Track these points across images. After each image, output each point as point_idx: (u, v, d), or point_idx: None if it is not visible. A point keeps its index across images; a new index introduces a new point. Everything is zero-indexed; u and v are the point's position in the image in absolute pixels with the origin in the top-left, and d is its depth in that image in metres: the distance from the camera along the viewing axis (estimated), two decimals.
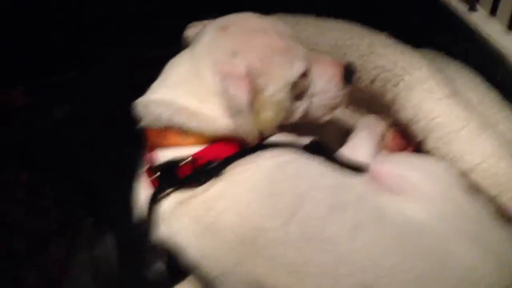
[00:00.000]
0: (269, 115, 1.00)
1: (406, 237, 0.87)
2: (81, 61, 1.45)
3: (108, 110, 1.34)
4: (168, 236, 0.93)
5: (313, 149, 1.00)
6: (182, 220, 0.91)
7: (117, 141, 1.28)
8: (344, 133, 1.30)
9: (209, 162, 0.92)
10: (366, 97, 1.34)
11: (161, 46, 1.14)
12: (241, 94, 0.91)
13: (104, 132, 1.36)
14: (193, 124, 0.93)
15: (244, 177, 0.92)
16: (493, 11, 1.23)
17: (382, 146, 1.23)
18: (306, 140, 1.03)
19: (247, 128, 0.92)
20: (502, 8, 1.20)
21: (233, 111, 0.92)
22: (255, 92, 0.95)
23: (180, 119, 0.93)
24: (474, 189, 1.01)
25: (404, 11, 1.42)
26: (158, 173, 0.94)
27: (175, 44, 1.06)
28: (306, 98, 1.07)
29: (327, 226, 0.87)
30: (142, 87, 1.00)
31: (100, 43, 1.46)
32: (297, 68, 1.00)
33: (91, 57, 1.45)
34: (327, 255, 0.84)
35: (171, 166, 0.94)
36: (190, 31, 1.08)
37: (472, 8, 1.24)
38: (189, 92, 0.96)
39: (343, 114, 1.36)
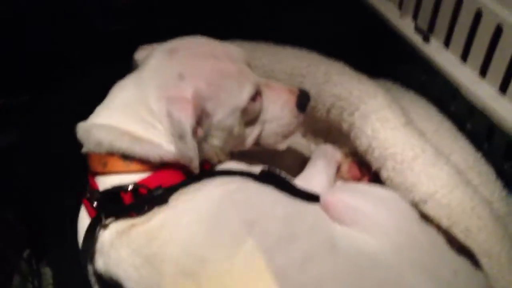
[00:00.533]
0: (217, 141, 0.98)
1: (360, 270, 0.84)
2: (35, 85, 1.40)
3: (60, 136, 1.28)
4: (105, 269, 0.87)
5: (264, 178, 0.97)
6: (121, 251, 0.86)
7: (67, 169, 1.22)
8: (301, 162, 1.29)
9: (153, 190, 0.88)
10: (324, 126, 1.33)
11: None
12: (185, 118, 0.88)
13: (54, 160, 1.31)
14: (136, 149, 0.89)
15: (189, 206, 0.88)
16: (446, 42, 1.24)
17: (338, 177, 1.22)
18: (257, 168, 1.01)
19: (190, 154, 0.89)
20: (456, 40, 1.21)
21: (176, 136, 0.89)
22: (202, 117, 0.93)
23: (123, 145, 0.90)
24: (428, 219, 0.99)
25: (360, 41, 1.43)
26: (96, 203, 0.90)
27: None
28: (257, 125, 1.05)
29: (275, 258, 0.83)
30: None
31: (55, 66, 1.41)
32: (247, 92, 0.98)
33: (46, 80, 1.40)
34: None
35: (111, 194, 0.89)
36: (140, 54, 1.05)
37: (426, 39, 1.24)
38: (133, 117, 0.92)
39: (300, 143, 1.35)
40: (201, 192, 0.90)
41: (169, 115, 0.89)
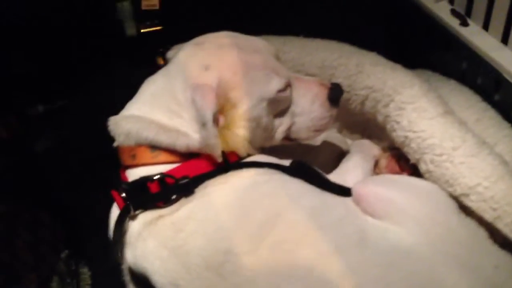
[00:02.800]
0: (245, 132, 0.96)
1: (390, 263, 0.80)
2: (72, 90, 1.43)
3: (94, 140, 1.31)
4: (134, 262, 0.88)
5: (294, 170, 0.95)
6: (148, 243, 0.86)
7: (105, 170, 1.24)
8: (336, 158, 1.25)
9: (179, 179, 0.88)
10: (360, 120, 1.29)
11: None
12: (206, 105, 0.87)
13: (91, 162, 1.33)
14: (162, 138, 0.90)
15: (216, 197, 0.87)
16: (485, 25, 1.17)
17: (376, 172, 1.17)
18: (287, 161, 0.98)
19: (211, 141, 0.88)
20: (495, 21, 1.14)
21: (200, 123, 0.88)
22: (227, 106, 0.92)
23: (149, 134, 0.90)
24: (469, 212, 0.93)
25: (395, 29, 1.37)
26: (124, 194, 0.90)
27: None
28: (287, 117, 1.03)
29: (301, 250, 0.81)
30: None
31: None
32: (274, 84, 0.97)
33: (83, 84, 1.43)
34: (299, 283, 0.78)
35: (139, 184, 0.90)
36: (171, 52, 1.06)
37: (464, 23, 1.18)
38: (160, 107, 0.94)
39: (336, 139, 1.31)
40: (228, 184, 0.89)
41: (193, 103, 0.89)
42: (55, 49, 1.37)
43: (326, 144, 1.27)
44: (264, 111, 0.97)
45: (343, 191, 0.94)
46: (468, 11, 1.22)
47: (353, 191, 0.93)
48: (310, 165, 0.99)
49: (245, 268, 0.79)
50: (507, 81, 1.12)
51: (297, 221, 0.84)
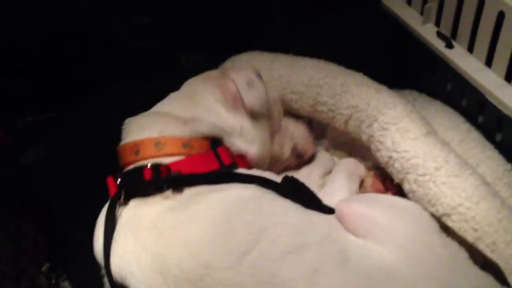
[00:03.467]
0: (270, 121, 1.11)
1: (371, 283, 0.79)
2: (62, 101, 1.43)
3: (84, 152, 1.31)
4: (118, 267, 0.85)
5: (285, 185, 0.95)
6: (129, 243, 0.85)
7: (90, 184, 1.24)
8: (324, 175, 1.26)
9: (172, 172, 0.90)
10: (347, 140, 1.30)
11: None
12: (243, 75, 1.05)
13: (77, 177, 1.32)
14: (171, 127, 0.95)
15: (201, 209, 0.87)
16: (470, 48, 1.19)
17: (361, 191, 1.17)
18: (279, 177, 0.99)
19: (262, 95, 1.04)
20: (479, 44, 1.15)
21: (245, 85, 1.03)
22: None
23: (159, 125, 0.95)
24: (450, 232, 0.93)
25: (383, 50, 1.39)
26: (119, 180, 0.91)
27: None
28: (283, 136, 1.16)
29: (282, 268, 0.79)
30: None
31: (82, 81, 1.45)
32: (279, 106, 1.15)
33: (73, 96, 1.43)
34: None
35: (134, 171, 0.92)
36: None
37: (449, 45, 1.19)
38: (174, 105, 1.02)
39: (324, 157, 1.32)
40: (215, 196, 0.88)
41: (221, 86, 1.03)
42: (45, 59, 1.37)
43: (314, 162, 1.28)
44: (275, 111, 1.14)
45: (329, 211, 0.94)
46: (454, 34, 1.23)
47: (337, 210, 0.93)
48: (302, 181, 0.99)
49: (224, 283, 0.79)
50: (490, 103, 1.13)
51: (279, 239, 0.83)
